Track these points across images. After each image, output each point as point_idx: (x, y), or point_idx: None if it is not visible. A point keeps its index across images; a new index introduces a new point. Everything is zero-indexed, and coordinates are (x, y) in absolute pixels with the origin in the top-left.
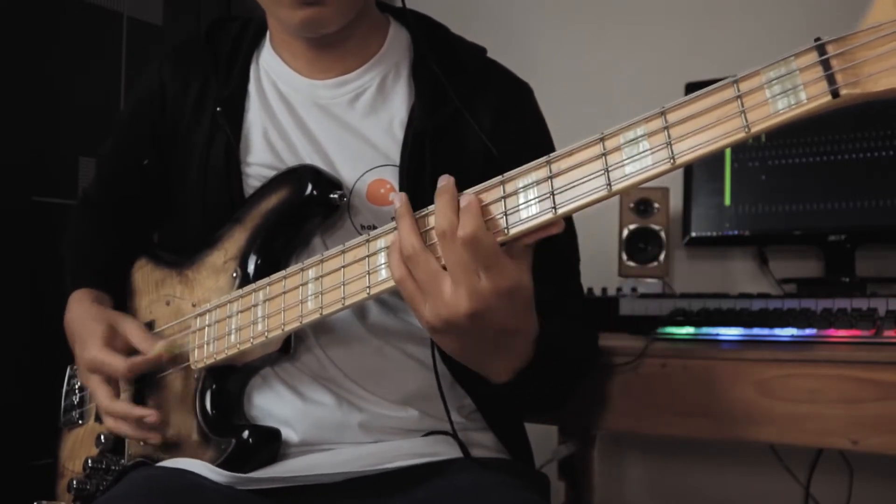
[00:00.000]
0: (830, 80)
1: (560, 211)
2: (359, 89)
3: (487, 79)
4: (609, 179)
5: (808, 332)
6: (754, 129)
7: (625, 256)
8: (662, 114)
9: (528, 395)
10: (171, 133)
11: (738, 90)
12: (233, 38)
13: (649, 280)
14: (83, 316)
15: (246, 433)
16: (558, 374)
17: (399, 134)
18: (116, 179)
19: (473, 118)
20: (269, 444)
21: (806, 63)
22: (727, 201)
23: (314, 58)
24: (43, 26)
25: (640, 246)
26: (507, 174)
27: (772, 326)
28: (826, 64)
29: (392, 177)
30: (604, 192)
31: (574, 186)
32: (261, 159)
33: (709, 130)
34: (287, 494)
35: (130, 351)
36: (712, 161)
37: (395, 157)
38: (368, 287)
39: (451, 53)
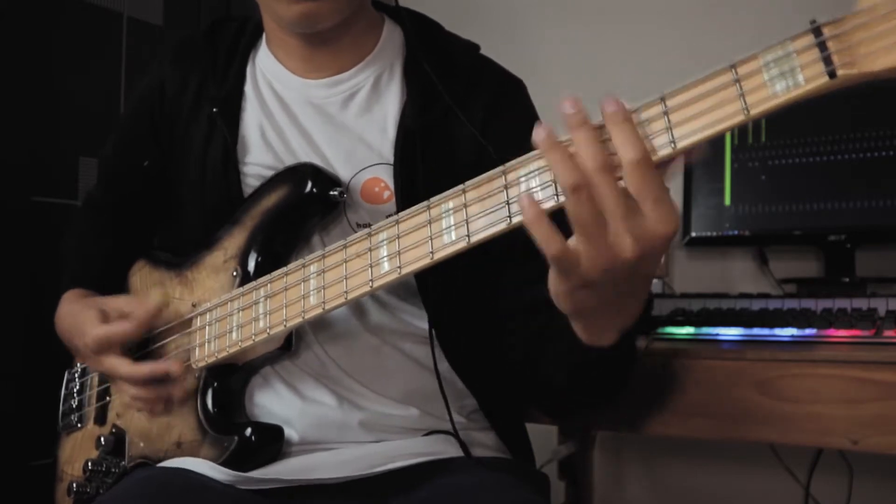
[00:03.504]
0: (827, 61)
1: (562, 199)
2: (353, 89)
3: (480, 76)
4: None
5: (808, 332)
6: (753, 112)
7: None
8: (662, 99)
9: (626, 360)
10: (169, 129)
11: (737, 74)
12: (230, 38)
13: None
14: (73, 310)
15: (249, 431)
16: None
17: (392, 133)
18: (118, 178)
19: (465, 115)
20: (272, 442)
21: (802, 45)
22: (727, 201)
23: (308, 56)
24: (43, 26)
25: None
26: (508, 164)
27: (772, 326)
28: (822, 46)
29: (386, 175)
30: None
31: None
32: (259, 159)
33: (708, 114)
34: (288, 494)
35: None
36: (712, 161)
37: (390, 155)
38: (371, 280)
39: (443, 51)
